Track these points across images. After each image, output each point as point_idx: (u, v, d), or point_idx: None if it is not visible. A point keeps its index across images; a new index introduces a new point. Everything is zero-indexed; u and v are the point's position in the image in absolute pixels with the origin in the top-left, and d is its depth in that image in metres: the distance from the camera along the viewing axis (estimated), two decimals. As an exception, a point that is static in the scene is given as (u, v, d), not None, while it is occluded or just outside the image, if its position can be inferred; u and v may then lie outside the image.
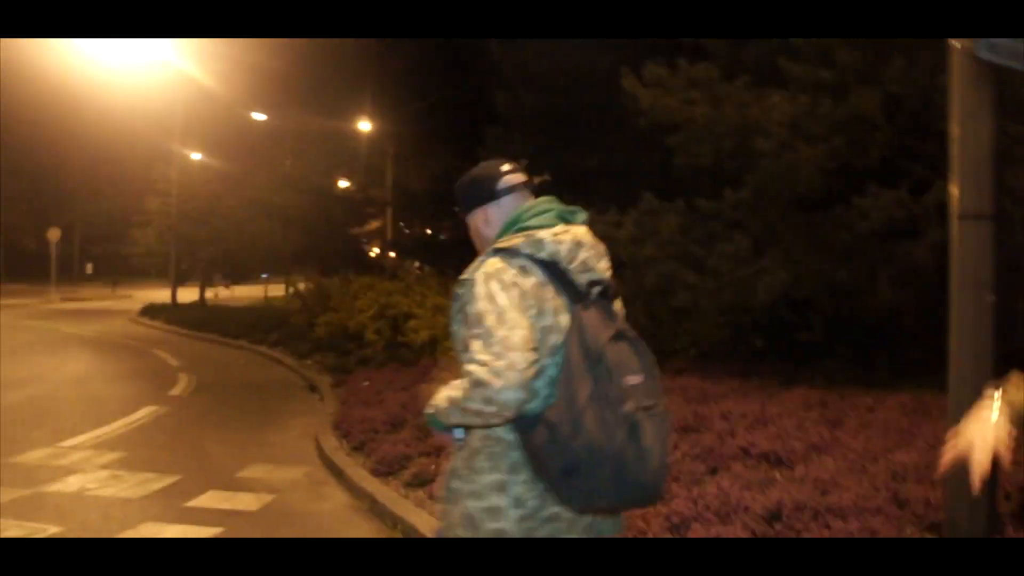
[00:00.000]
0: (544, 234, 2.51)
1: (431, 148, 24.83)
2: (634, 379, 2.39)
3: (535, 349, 2.33)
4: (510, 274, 2.42)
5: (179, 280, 32.11)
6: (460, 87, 22.85)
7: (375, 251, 38.57)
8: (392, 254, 33.36)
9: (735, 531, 5.07)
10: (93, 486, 7.54)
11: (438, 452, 7.56)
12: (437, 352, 12.93)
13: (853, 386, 9.69)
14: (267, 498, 7.26)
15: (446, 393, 2.42)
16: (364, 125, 36.41)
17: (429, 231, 28.85)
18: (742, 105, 10.25)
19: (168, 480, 7.75)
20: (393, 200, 34.80)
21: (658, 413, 2.42)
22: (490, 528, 2.41)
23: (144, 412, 11.20)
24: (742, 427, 7.75)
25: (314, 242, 34.19)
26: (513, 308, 2.34)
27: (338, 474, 7.89)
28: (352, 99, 32.35)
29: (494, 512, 2.41)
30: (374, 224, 38.44)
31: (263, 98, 33.35)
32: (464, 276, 2.48)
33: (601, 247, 2.66)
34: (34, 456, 8.61)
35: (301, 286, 24.30)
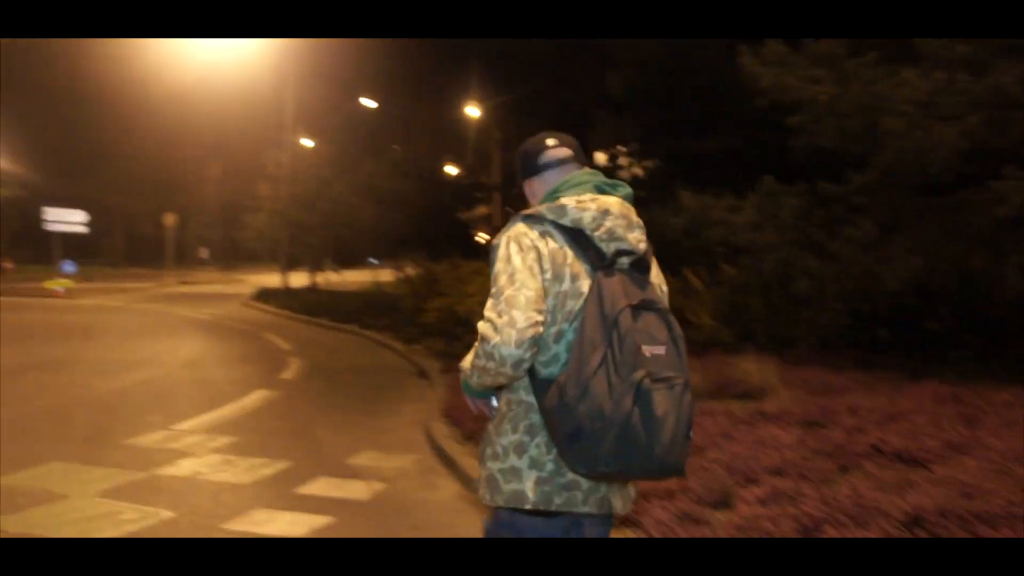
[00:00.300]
0: (568, 200, 2.55)
1: (539, 132, 24.55)
2: (655, 350, 2.38)
3: (543, 311, 2.39)
4: (530, 237, 2.50)
5: (289, 265, 32.53)
6: (569, 69, 22.56)
7: (484, 236, 38.58)
8: (500, 239, 33.24)
9: (873, 536, 4.73)
10: (205, 470, 7.52)
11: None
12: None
13: (987, 381, 9.17)
14: (378, 486, 7.13)
15: (470, 356, 2.55)
16: (471, 110, 36.41)
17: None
18: (870, 82, 9.73)
19: (279, 466, 7.69)
20: (501, 185, 34.70)
21: (677, 385, 2.37)
22: (508, 489, 2.49)
23: (256, 396, 11.25)
24: (871, 423, 7.36)
25: (421, 227, 34.34)
26: (525, 270, 2.42)
27: (449, 463, 7.72)
28: (459, 83, 32.35)
29: (512, 473, 2.49)
30: (482, 209, 38.46)
31: (371, 84, 33.51)
32: (494, 240, 2.56)
33: (634, 219, 2.63)
34: (149, 439, 8.67)
35: (410, 271, 24.33)
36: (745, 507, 5.40)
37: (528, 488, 2.47)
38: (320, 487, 7.04)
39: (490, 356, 2.36)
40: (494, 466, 2.54)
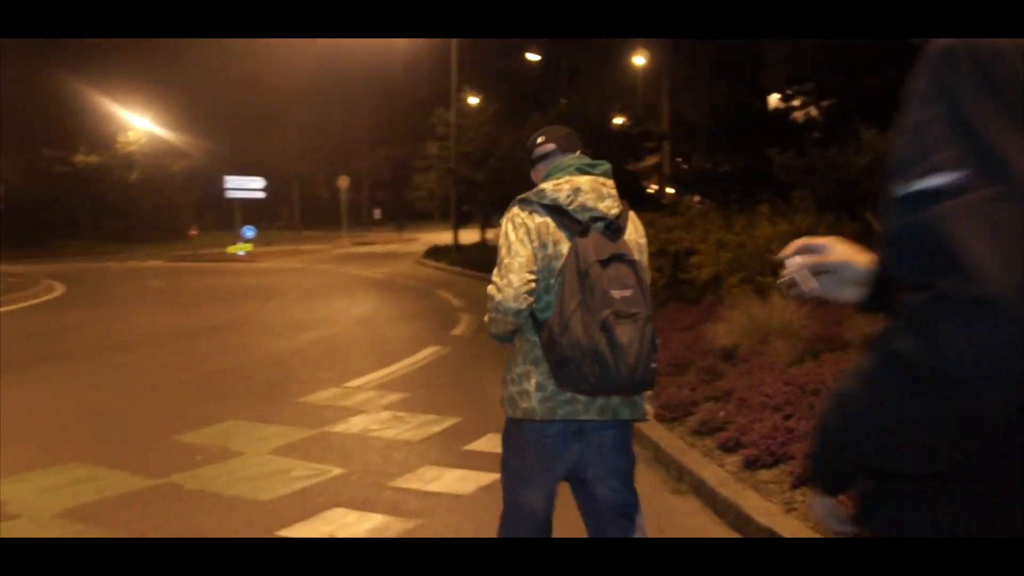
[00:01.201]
0: (545, 185, 3.29)
1: (709, 77, 23.72)
2: (623, 292, 3.06)
3: (534, 271, 3.12)
4: (521, 217, 3.24)
5: (460, 222, 32.75)
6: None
7: (653, 187, 37.96)
8: (670, 189, 32.61)
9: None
10: (375, 427, 7.53)
11: (727, 396, 7.04)
12: (720, 290, 12.05)
13: None
14: (546, 443, 6.96)
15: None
16: (639, 59, 35.72)
17: (709, 164, 27.70)
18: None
19: (448, 422, 7.64)
20: (670, 134, 34.00)
21: (640, 319, 3.05)
22: (522, 407, 3.22)
23: (426, 352, 11.28)
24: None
25: (590, 179, 33.90)
26: (517, 242, 3.16)
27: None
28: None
29: (524, 394, 3.22)
30: (651, 160, 37.82)
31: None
32: (499, 222, 3.34)
33: (605, 191, 3.30)
34: (322, 396, 8.77)
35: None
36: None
37: (536, 404, 3.19)
38: (488, 443, 6.92)
39: (496, 309, 3.12)
40: (512, 389, 3.28)
